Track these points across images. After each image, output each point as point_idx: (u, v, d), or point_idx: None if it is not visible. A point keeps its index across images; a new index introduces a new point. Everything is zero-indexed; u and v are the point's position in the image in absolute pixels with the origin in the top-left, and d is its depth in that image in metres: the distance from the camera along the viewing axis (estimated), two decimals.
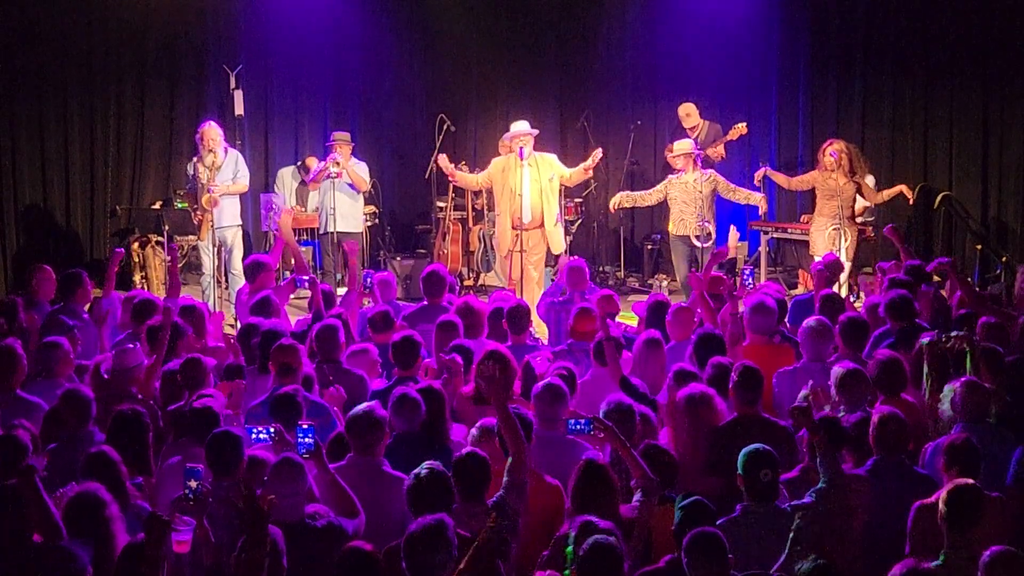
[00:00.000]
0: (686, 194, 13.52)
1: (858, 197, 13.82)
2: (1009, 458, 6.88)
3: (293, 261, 12.05)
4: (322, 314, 9.85)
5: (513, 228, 12.85)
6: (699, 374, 8.07)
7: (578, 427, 6.89)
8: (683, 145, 13.78)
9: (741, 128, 15.27)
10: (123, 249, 12.61)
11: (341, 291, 13.79)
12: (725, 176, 14.06)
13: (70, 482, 6.36)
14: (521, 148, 13.02)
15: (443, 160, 13.76)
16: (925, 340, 8.28)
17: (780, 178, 14.24)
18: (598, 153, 13.43)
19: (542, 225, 13.12)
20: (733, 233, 14.66)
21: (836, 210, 13.14)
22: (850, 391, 7.59)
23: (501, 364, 7.80)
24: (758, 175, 14.06)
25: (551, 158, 13.39)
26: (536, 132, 13.36)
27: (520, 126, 13.29)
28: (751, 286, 10.45)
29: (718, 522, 6.09)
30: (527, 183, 12.95)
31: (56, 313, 10.20)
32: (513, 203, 12.95)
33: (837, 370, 7.75)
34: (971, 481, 6.12)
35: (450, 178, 14.04)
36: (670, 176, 13.96)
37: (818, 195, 13.57)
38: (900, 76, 16.46)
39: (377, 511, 6.50)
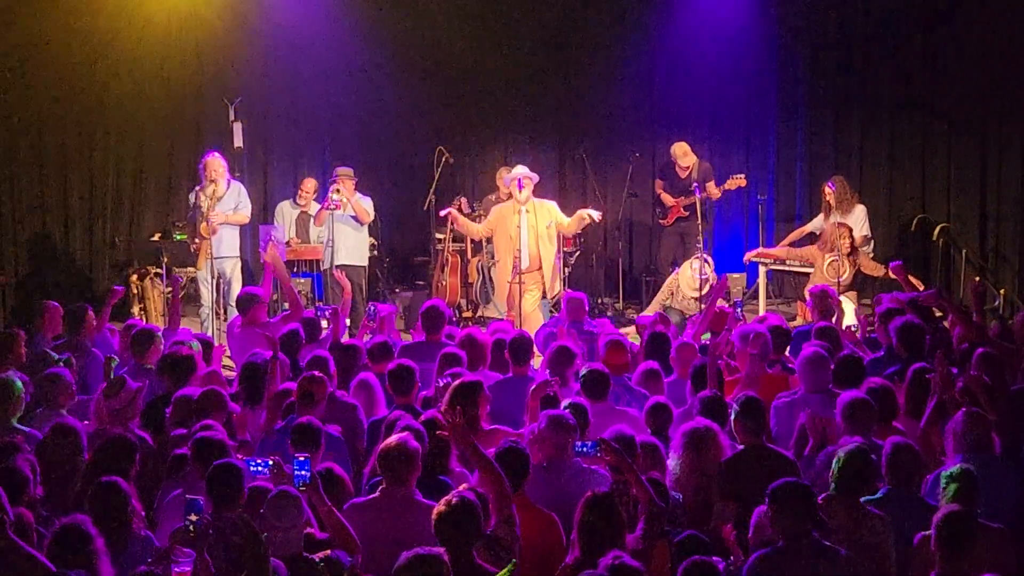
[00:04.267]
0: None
1: (853, 222, 14.13)
2: (1011, 489, 6.88)
3: (282, 295, 12.04)
4: (340, 343, 10.00)
5: (512, 272, 12.92)
6: (672, 408, 8.17)
7: (584, 449, 6.90)
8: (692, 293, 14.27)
9: (740, 180, 15.39)
10: (123, 288, 12.63)
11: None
12: (721, 208, 14.18)
13: (66, 513, 6.38)
14: (519, 179, 13.16)
15: (454, 212, 14.02)
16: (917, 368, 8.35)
17: (780, 251, 14.52)
18: (596, 214, 13.58)
19: (540, 268, 13.29)
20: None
21: (835, 286, 13.25)
22: (855, 420, 7.56)
23: (467, 399, 7.86)
24: (748, 256, 14.41)
25: (550, 205, 13.61)
26: (536, 178, 13.52)
27: (520, 169, 13.40)
28: (741, 318, 10.52)
29: (762, 553, 6.12)
30: (524, 229, 13.14)
31: (59, 347, 10.24)
32: (512, 248, 13.08)
33: (844, 398, 7.74)
34: (962, 507, 6.13)
35: (454, 224, 14.22)
36: (675, 275, 14.55)
37: (816, 269, 13.84)
38: (898, 108, 16.49)
39: (412, 541, 6.46)
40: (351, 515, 6.64)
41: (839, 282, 13.46)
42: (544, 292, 13.47)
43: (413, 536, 6.46)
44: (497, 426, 8.10)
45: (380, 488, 6.90)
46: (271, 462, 6.75)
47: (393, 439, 6.95)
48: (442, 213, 14.41)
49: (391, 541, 6.52)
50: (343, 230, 14.12)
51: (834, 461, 6.67)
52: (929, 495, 7.02)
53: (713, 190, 15.35)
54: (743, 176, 15.50)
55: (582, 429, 7.65)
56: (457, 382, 8.23)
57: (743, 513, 6.69)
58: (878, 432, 7.59)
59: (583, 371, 8.69)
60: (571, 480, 7.13)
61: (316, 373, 8.38)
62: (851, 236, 13.83)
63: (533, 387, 8.53)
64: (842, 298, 12.87)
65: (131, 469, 7.13)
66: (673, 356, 9.71)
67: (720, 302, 11.57)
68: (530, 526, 6.51)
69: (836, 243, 13.62)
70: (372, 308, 10.98)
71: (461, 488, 6.39)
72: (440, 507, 6.05)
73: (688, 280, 14.41)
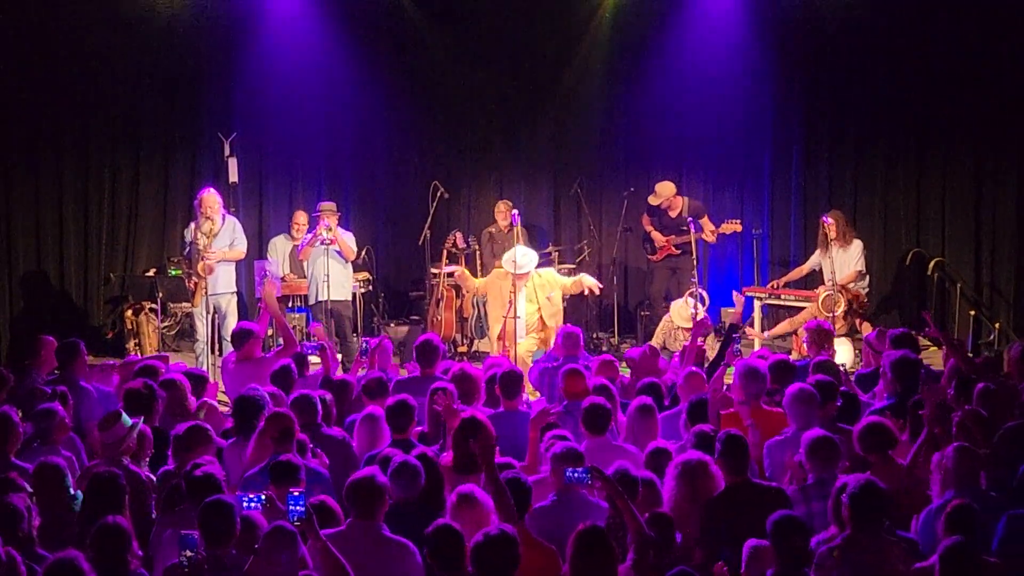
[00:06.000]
0: None
1: (843, 263, 14.24)
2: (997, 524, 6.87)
3: (276, 330, 12.02)
4: (331, 379, 10.01)
5: (499, 339, 13.08)
6: (671, 450, 8.12)
7: (576, 475, 6.90)
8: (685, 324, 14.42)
9: (736, 225, 15.53)
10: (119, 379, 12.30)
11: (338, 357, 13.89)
12: (718, 246, 14.31)
13: (59, 549, 6.36)
14: (514, 214, 13.34)
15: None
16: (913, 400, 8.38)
17: (783, 326, 14.61)
18: (596, 285, 13.88)
19: (543, 328, 13.59)
20: (738, 298, 14.84)
21: (829, 320, 13.32)
22: (819, 458, 7.56)
23: (476, 431, 7.89)
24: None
25: (549, 274, 13.90)
26: (537, 260, 13.89)
27: (526, 260, 13.58)
28: (739, 353, 10.54)
29: None
30: (522, 303, 13.37)
31: (51, 382, 10.22)
32: (501, 314, 13.29)
33: (808, 436, 7.74)
34: (965, 540, 6.13)
35: (457, 277, 14.36)
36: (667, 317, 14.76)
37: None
38: (892, 142, 16.54)
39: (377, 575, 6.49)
40: None
41: (833, 316, 13.51)
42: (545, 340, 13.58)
43: (379, 570, 6.49)
44: (503, 459, 8.07)
45: (347, 521, 6.92)
46: (264, 497, 6.74)
47: (361, 473, 6.97)
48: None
49: (356, 574, 6.51)
50: (332, 265, 14.14)
51: (846, 498, 6.65)
52: (922, 532, 7.01)
53: (708, 232, 15.34)
54: (739, 221, 15.59)
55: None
56: (464, 416, 8.25)
57: (731, 549, 6.70)
58: (877, 465, 7.60)
59: (585, 404, 8.70)
60: (579, 515, 7.12)
61: (281, 410, 8.38)
62: (846, 302, 14.10)
63: (533, 416, 8.56)
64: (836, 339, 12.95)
65: (121, 506, 7.10)
66: (681, 385, 9.74)
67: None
68: (531, 559, 6.51)
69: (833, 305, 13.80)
70: (365, 344, 10.97)
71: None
72: (479, 538, 6.07)
73: (679, 310, 14.38)
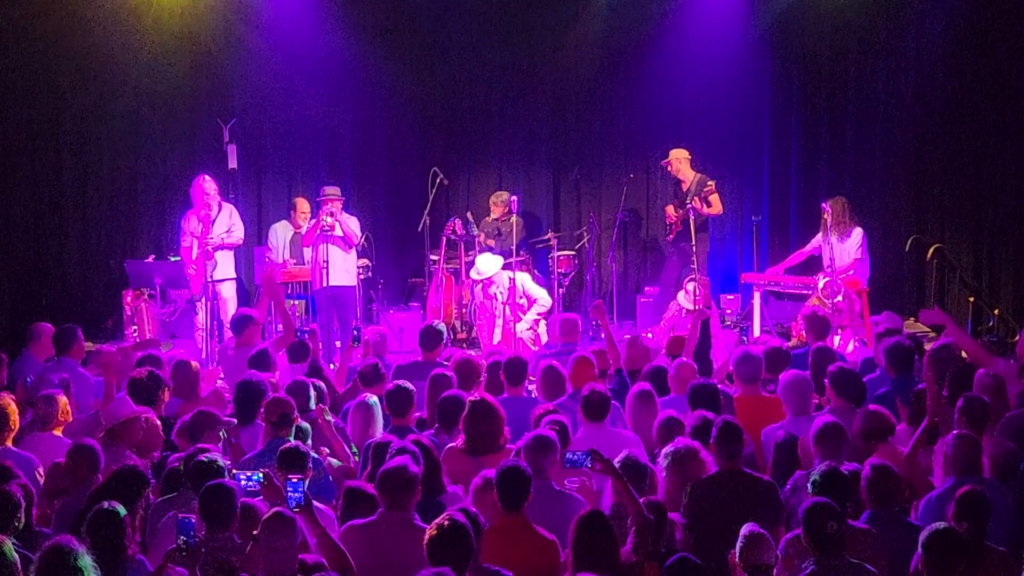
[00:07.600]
0: None
1: (842, 251, 14.29)
2: (1001, 511, 6.86)
3: (275, 316, 12.03)
4: (319, 366, 10.01)
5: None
6: (683, 421, 8.13)
7: (575, 458, 6.90)
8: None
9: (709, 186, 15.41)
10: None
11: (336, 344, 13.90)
12: (715, 229, 14.36)
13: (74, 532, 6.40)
14: (514, 200, 13.37)
15: None
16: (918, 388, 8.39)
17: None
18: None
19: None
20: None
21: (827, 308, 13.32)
22: (827, 444, 7.58)
23: (488, 418, 7.94)
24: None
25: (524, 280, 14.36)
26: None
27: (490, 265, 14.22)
28: (746, 339, 10.58)
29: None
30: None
31: (48, 370, 10.23)
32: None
33: (817, 423, 7.74)
34: (951, 525, 6.13)
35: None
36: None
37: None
38: (891, 127, 16.51)
39: (410, 565, 6.41)
40: (348, 536, 6.61)
41: (833, 304, 13.46)
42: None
43: (412, 560, 6.45)
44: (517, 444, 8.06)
45: (378, 511, 6.88)
46: (261, 474, 6.74)
47: (392, 463, 6.93)
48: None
49: (388, 564, 6.52)
50: (333, 251, 14.10)
51: (810, 485, 6.72)
52: (922, 519, 7.01)
53: (699, 203, 15.20)
54: (712, 183, 15.45)
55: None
56: (474, 398, 8.27)
57: (716, 533, 6.74)
58: (878, 452, 7.62)
59: (585, 392, 8.69)
60: (548, 504, 7.13)
61: (280, 395, 8.43)
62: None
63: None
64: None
65: (137, 500, 7.07)
66: (672, 375, 9.73)
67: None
68: (529, 548, 6.52)
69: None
70: (356, 331, 10.91)
71: (451, 510, 6.40)
72: (431, 531, 6.06)
73: (685, 297, 14.37)
